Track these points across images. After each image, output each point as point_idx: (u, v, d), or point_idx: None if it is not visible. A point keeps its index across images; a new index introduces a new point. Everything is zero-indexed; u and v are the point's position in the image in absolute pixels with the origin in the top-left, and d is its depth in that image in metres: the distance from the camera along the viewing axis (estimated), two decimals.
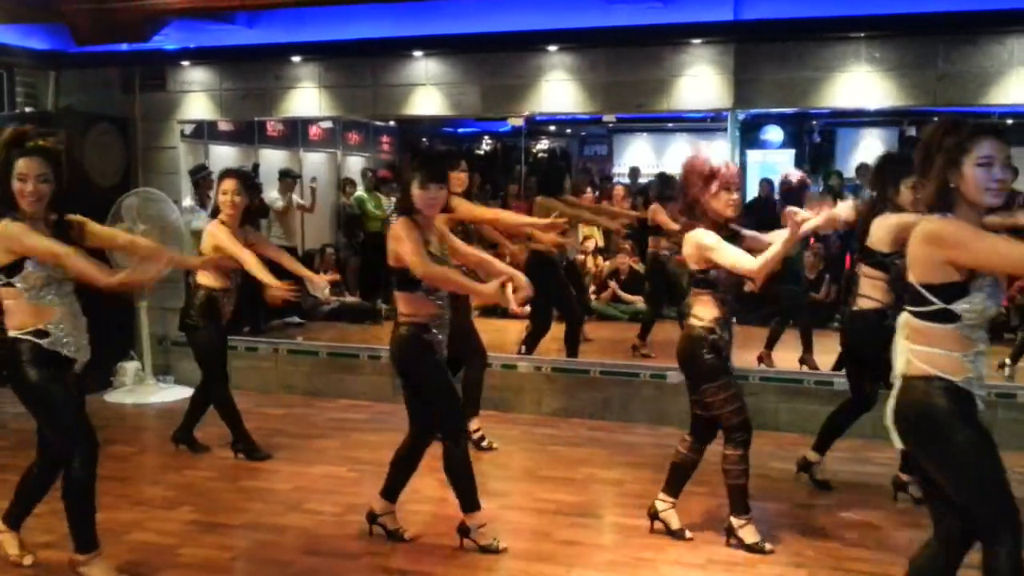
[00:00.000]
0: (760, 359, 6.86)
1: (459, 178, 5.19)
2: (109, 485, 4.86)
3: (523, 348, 6.87)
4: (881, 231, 4.26)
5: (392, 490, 4.17)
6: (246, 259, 4.98)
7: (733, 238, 3.90)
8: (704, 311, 3.92)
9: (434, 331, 3.95)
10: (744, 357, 6.65)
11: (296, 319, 8.45)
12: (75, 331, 3.65)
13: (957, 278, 2.57)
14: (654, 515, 4.19)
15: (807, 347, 6.76)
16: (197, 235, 6.81)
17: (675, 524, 4.16)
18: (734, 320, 4.03)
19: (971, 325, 2.61)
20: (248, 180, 5.40)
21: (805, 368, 6.59)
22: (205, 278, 5.17)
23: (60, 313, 3.60)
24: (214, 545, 4.13)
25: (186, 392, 6.86)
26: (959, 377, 2.62)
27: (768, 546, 4.00)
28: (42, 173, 3.48)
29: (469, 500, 4.04)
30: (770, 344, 6.96)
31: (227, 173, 5.37)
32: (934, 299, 2.61)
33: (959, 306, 2.58)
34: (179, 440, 5.47)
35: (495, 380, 6.52)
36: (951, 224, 2.59)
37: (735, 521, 4.03)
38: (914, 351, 2.68)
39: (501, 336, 7.68)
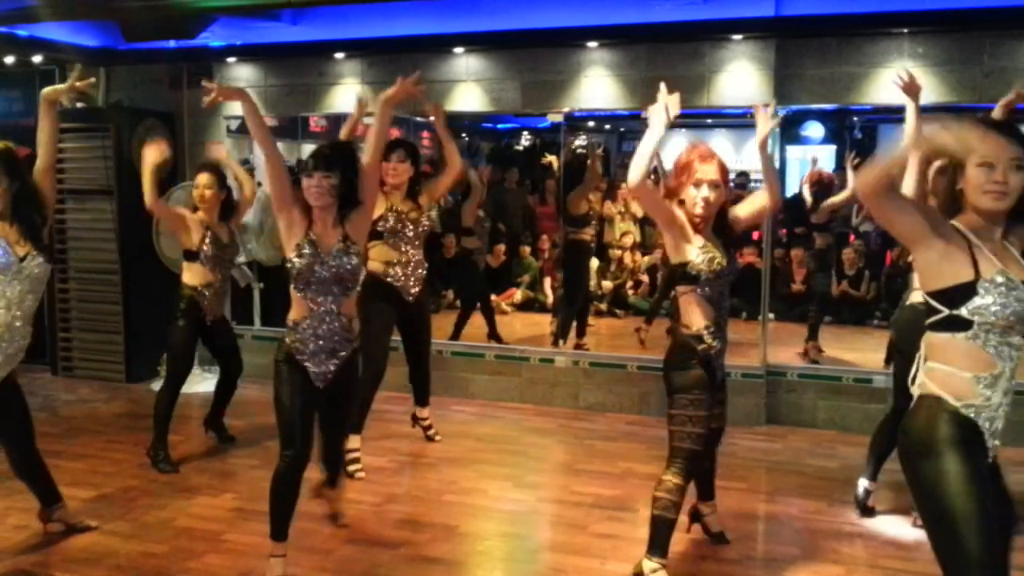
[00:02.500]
0: (806, 352, 6.97)
1: (394, 169, 4.98)
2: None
3: (565, 341, 7.00)
4: None
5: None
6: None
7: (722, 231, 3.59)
8: (691, 316, 3.49)
9: (296, 335, 3.58)
10: (781, 354, 6.65)
11: None
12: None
13: (964, 278, 2.35)
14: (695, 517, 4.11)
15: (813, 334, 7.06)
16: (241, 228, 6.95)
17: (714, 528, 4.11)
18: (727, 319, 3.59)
19: (987, 332, 2.36)
20: (223, 175, 5.28)
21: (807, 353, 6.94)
22: (189, 277, 5.15)
23: None
24: (257, 532, 4.19)
25: None
26: (962, 402, 2.41)
27: None
28: None
29: (273, 527, 3.63)
30: (813, 335, 7.07)
31: (201, 167, 5.36)
32: (941, 306, 2.40)
33: (968, 308, 2.35)
34: (208, 426, 5.61)
35: (533, 374, 6.57)
36: None
37: (647, 565, 3.50)
38: (927, 368, 2.50)
39: (539, 329, 7.73)
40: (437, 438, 5.59)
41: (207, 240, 5.11)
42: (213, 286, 5.20)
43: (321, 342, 3.56)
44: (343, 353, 3.62)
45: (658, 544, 3.51)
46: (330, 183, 3.46)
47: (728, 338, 3.60)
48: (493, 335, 7.38)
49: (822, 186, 7.13)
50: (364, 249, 3.96)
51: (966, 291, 2.35)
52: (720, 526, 4.13)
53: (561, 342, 6.99)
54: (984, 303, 2.33)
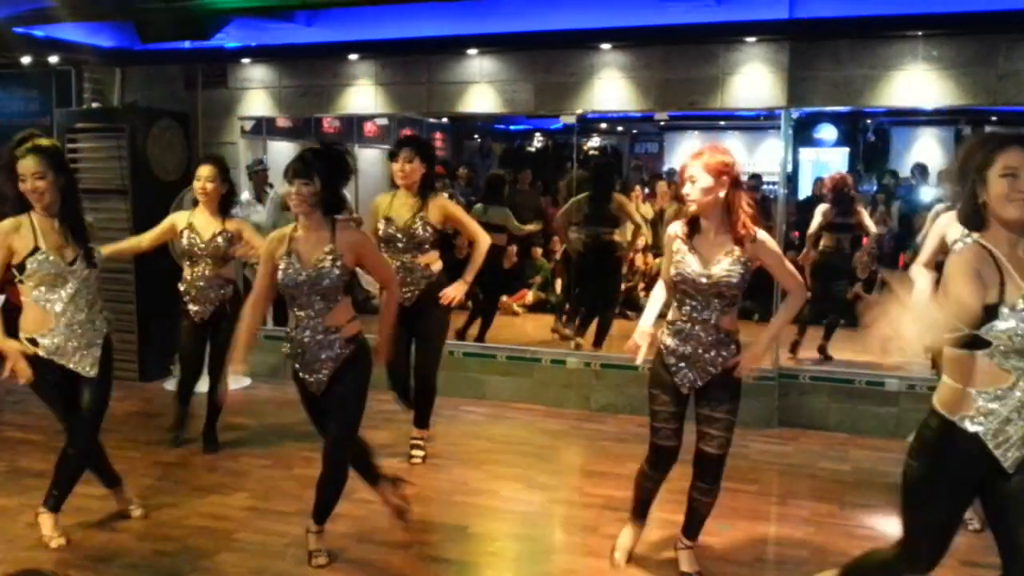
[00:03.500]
0: (820, 349, 7.06)
1: (401, 170, 4.89)
2: (168, 470, 5.04)
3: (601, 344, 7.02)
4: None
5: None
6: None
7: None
8: (671, 314, 3.60)
9: (288, 344, 3.74)
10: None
11: None
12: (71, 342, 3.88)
13: (989, 300, 2.42)
14: None
15: (827, 336, 7.16)
16: (255, 228, 6.98)
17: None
18: (700, 328, 3.52)
19: (1004, 353, 2.44)
20: (225, 168, 5.26)
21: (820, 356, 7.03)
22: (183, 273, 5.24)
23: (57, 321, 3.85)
24: (269, 531, 4.23)
25: (243, 382, 7.04)
26: (957, 415, 2.53)
27: None
28: (38, 171, 3.76)
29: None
30: (827, 335, 7.14)
31: (204, 159, 5.39)
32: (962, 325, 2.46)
33: (986, 330, 2.42)
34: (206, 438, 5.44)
35: (544, 375, 6.58)
36: (954, 261, 2.48)
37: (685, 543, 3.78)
38: (940, 384, 2.61)
39: (550, 330, 7.73)
40: (414, 461, 5.20)
41: (184, 233, 5.13)
42: (188, 281, 5.17)
43: (307, 353, 3.64)
44: (332, 363, 3.65)
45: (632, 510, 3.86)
46: (309, 191, 3.48)
47: (697, 351, 3.52)
48: (482, 339, 7.37)
49: (836, 191, 7.12)
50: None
51: (988, 313, 2.41)
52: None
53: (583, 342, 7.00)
54: (1003, 328, 2.40)
